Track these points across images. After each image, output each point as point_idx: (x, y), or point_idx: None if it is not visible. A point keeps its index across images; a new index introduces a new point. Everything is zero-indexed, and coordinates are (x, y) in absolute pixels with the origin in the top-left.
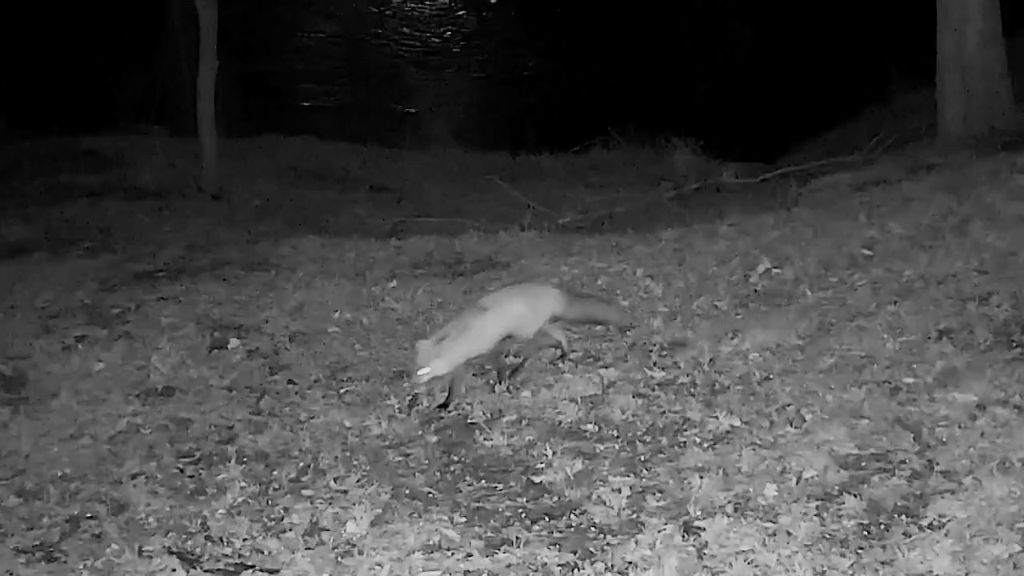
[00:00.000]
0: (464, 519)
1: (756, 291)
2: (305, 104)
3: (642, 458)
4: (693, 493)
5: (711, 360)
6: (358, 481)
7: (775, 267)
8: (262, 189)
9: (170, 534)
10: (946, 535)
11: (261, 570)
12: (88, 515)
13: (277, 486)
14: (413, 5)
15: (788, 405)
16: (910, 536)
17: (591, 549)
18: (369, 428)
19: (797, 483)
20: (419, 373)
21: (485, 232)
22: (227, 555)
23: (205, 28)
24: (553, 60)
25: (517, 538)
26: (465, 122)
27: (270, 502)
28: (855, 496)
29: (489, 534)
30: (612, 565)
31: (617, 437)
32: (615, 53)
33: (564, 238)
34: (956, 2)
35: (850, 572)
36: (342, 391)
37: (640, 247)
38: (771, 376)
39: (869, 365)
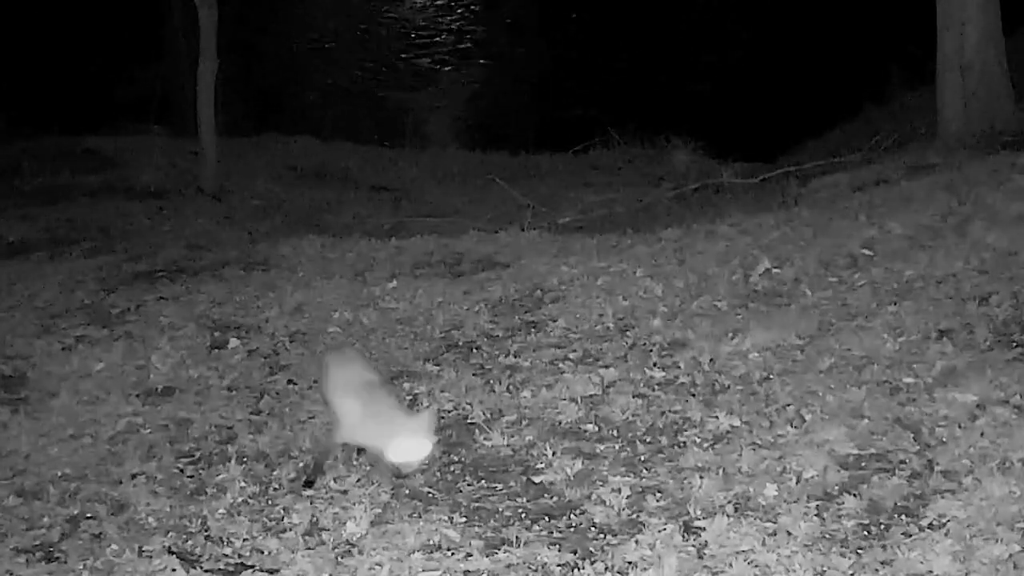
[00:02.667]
0: (464, 519)
1: (756, 291)
2: (305, 104)
3: (642, 458)
4: (693, 493)
5: (711, 360)
6: (358, 481)
7: (775, 267)
8: (262, 189)
9: (170, 534)
10: (946, 535)
11: (261, 570)
12: (88, 515)
13: (277, 486)
14: (413, 5)
15: (788, 405)
16: (910, 536)
17: (591, 549)
18: None
19: (797, 483)
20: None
21: (485, 232)
22: (227, 555)
23: (205, 28)
24: (553, 60)
25: (517, 538)
26: (465, 122)
27: (270, 502)
28: (855, 496)
29: (489, 534)
30: (612, 565)
31: (617, 437)
32: (615, 53)
33: (564, 238)
34: (956, 2)
35: (850, 572)
36: None
37: (640, 247)
38: (771, 376)
39: (869, 365)
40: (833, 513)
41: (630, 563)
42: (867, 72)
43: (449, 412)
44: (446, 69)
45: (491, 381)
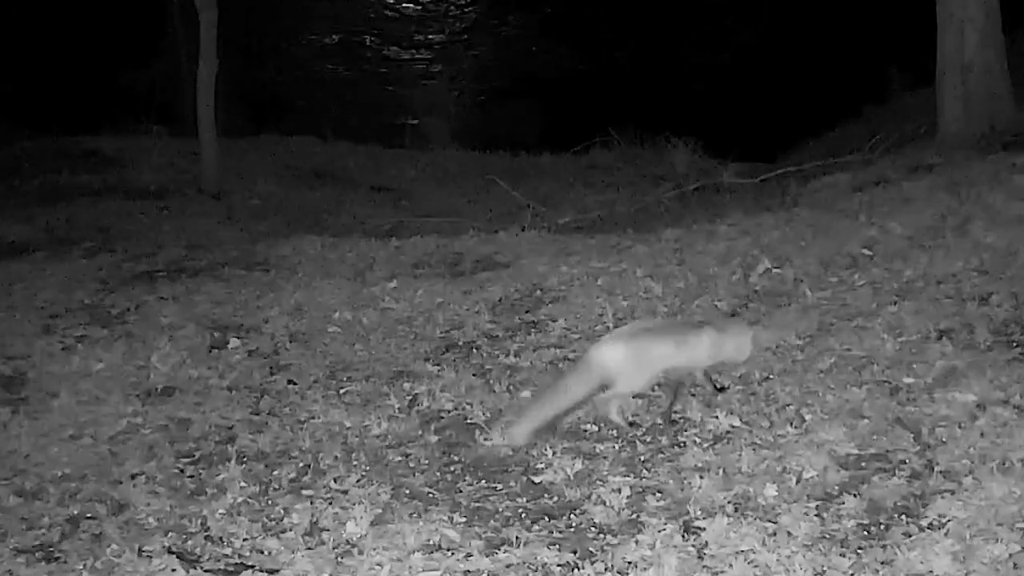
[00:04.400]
0: (464, 519)
1: (756, 291)
2: (305, 104)
3: (642, 458)
4: (693, 493)
5: None
6: (358, 481)
7: (775, 267)
8: (262, 189)
9: (170, 534)
10: (946, 535)
11: (261, 570)
12: (88, 515)
13: (277, 486)
14: (413, 6)
15: (788, 405)
16: (910, 536)
17: (591, 549)
18: (369, 428)
19: (797, 483)
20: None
21: (485, 232)
22: (227, 555)
23: (205, 28)
24: (553, 60)
25: (517, 538)
26: (465, 122)
27: (270, 502)
28: (855, 496)
29: (489, 534)
30: (612, 565)
31: (617, 437)
32: (615, 53)
33: (564, 238)
34: (956, 2)
35: (850, 572)
36: (342, 391)
37: (640, 247)
38: (771, 376)
39: (869, 365)
40: (833, 513)
41: (630, 563)
42: (867, 72)
43: (449, 412)
44: (446, 69)
45: (491, 381)
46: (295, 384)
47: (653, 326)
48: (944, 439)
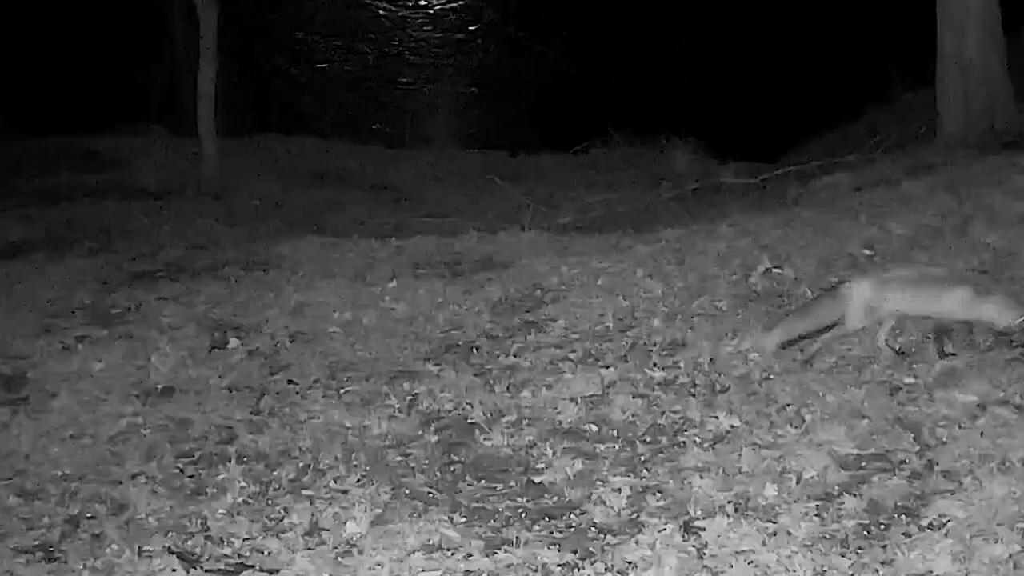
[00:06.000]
0: (464, 519)
1: (756, 291)
2: (305, 104)
3: (642, 458)
4: (693, 493)
5: (711, 360)
6: (358, 481)
7: (775, 267)
8: (262, 189)
9: (170, 534)
10: (946, 535)
11: (261, 570)
12: (88, 515)
13: (277, 486)
14: (412, 6)
15: (788, 405)
16: (910, 536)
17: (591, 549)
18: (369, 428)
19: (797, 483)
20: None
21: (485, 232)
22: (227, 555)
23: (205, 29)
24: (553, 60)
25: (517, 538)
26: (465, 122)
27: (270, 502)
28: (855, 496)
29: (489, 534)
30: (612, 565)
31: (617, 437)
32: (615, 53)
33: (564, 238)
34: (956, 2)
35: (850, 572)
36: (342, 391)
37: (640, 247)
38: (771, 376)
39: (869, 365)
40: (833, 513)
41: (630, 563)
42: (867, 72)
43: (449, 412)
44: (447, 69)
45: (491, 381)
46: (295, 384)
47: (911, 274)
48: (944, 439)
